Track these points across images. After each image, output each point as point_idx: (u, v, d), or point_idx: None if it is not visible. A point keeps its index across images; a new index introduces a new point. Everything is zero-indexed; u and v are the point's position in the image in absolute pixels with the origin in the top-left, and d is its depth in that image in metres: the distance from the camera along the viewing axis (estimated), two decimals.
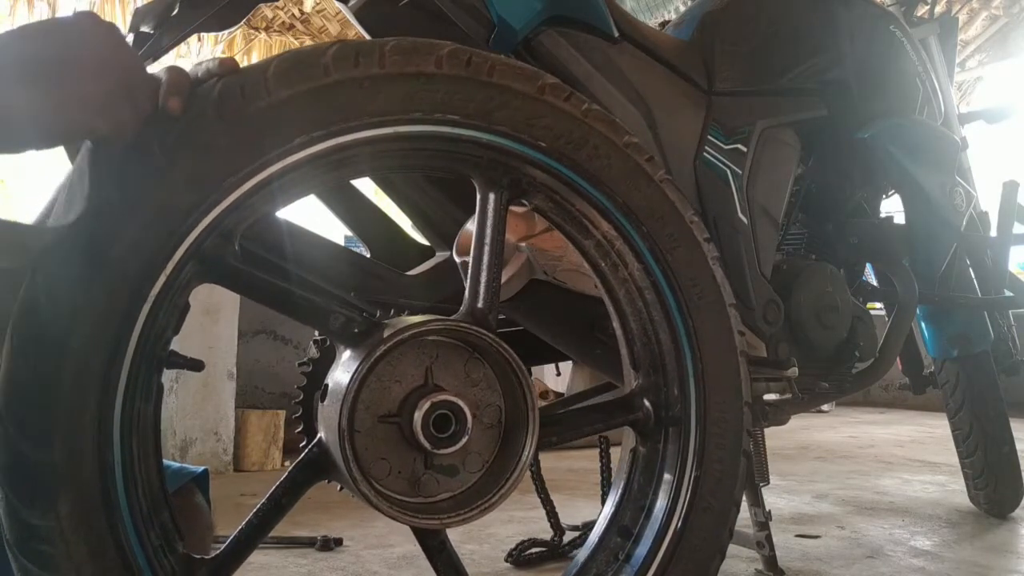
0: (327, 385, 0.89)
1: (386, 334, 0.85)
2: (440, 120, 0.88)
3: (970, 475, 2.34)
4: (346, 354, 0.89)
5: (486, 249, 0.94)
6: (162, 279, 0.76)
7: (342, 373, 0.86)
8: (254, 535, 0.84)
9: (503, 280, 1.26)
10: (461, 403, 0.86)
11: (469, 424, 0.86)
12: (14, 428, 0.71)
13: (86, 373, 0.72)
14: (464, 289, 0.95)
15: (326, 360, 1.18)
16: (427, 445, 0.85)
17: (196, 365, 0.90)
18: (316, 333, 1.23)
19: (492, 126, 0.91)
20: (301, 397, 1.06)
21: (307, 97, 0.81)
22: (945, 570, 1.76)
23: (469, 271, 0.94)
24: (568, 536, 1.86)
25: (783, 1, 1.55)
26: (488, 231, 0.94)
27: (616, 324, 1.05)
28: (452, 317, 0.91)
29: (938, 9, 2.30)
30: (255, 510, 0.84)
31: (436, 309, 1.13)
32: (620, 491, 1.05)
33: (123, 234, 0.74)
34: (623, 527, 1.03)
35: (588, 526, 1.87)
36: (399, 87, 0.85)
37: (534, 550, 1.81)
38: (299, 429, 1.05)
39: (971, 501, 2.39)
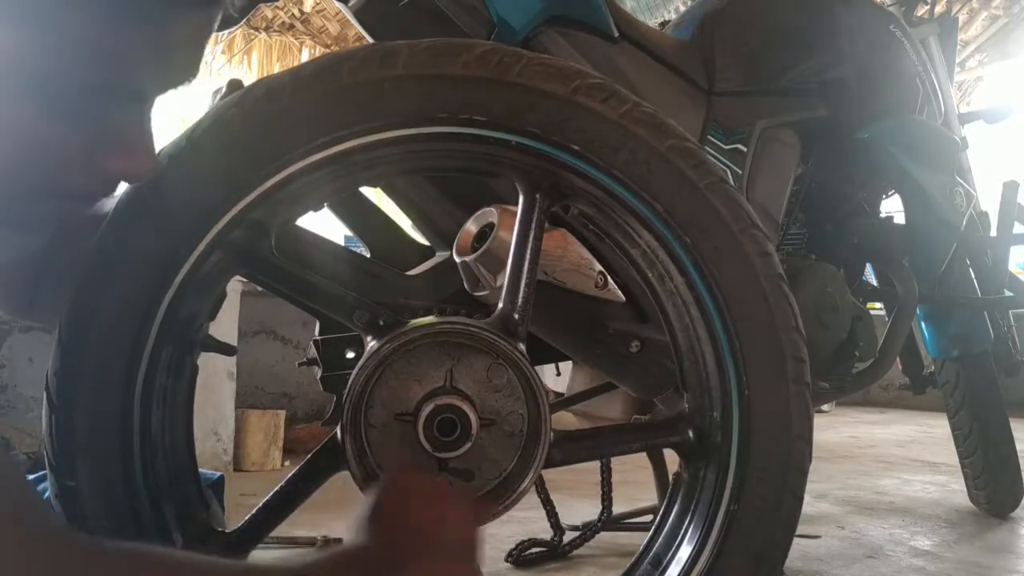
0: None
1: (405, 329, 0.85)
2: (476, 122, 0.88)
3: (970, 475, 2.34)
4: (371, 344, 0.86)
5: (528, 256, 0.89)
6: (187, 266, 0.81)
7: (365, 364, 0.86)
8: (272, 516, 0.86)
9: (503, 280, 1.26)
10: (465, 408, 0.83)
11: (474, 430, 0.83)
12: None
13: (112, 347, 0.79)
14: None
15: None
16: (428, 447, 0.83)
17: (228, 349, 0.98)
18: (316, 333, 1.23)
19: (524, 127, 0.87)
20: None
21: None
22: (945, 570, 1.76)
23: (506, 279, 0.89)
24: (568, 536, 1.86)
25: (783, 1, 1.55)
26: (531, 237, 0.90)
27: (668, 338, 0.98)
28: (484, 322, 0.87)
29: (938, 9, 2.30)
30: (275, 490, 0.85)
31: (435, 309, 1.13)
32: (660, 515, 0.99)
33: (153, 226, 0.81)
34: (656, 555, 0.96)
35: (588, 526, 1.87)
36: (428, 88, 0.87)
37: (534, 550, 1.81)
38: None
39: (971, 501, 2.39)
